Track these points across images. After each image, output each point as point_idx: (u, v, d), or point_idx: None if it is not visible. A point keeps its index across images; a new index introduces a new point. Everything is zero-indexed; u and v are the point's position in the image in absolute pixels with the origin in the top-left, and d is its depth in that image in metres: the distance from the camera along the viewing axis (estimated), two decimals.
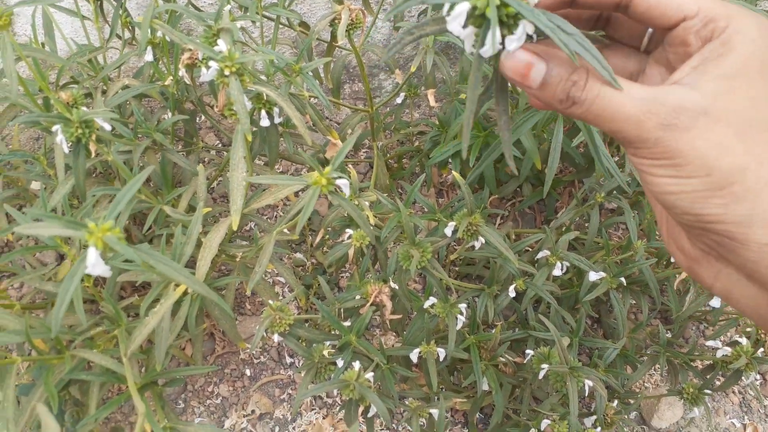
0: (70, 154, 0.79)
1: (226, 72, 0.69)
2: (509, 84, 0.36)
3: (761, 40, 0.33)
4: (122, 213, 0.55)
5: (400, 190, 1.35)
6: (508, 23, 0.32)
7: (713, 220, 0.33)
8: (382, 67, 1.42)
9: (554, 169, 0.96)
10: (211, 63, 0.71)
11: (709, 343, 1.04)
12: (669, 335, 1.09)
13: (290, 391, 1.16)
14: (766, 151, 0.33)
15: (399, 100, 1.18)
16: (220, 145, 1.40)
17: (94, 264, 0.54)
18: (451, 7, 0.33)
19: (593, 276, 0.97)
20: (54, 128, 0.77)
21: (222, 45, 0.71)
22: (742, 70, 0.33)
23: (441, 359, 0.92)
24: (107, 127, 0.78)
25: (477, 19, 0.32)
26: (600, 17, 0.40)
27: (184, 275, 0.62)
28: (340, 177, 0.74)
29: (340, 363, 0.89)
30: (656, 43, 0.38)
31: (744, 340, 0.96)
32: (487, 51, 0.32)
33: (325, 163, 1.18)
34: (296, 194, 1.33)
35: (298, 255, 1.27)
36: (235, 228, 0.78)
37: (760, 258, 0.33)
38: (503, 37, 0.33)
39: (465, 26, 0.33)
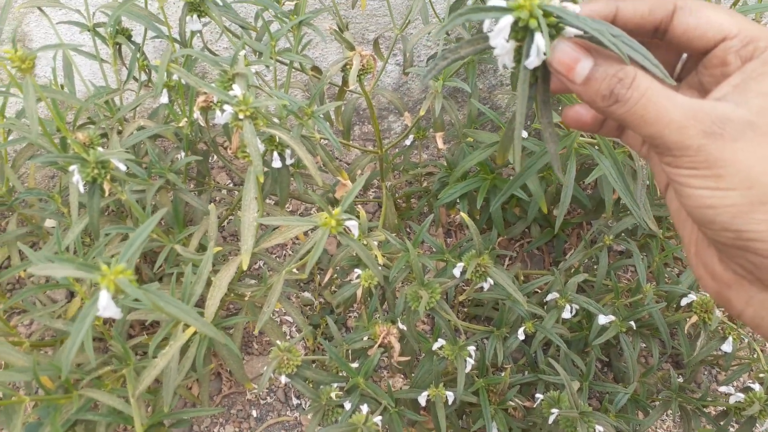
0: (84, 194, 0.81)
1: (241, 116, 0.71)
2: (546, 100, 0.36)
3: None
4: (131, 257, 0.56)
5: (408, 229, 1.36)
6: (551, 33, 0.32)
7: (754, 238, 0.32)
8: (391, 110, 1.44)
9: (566, 206, 0.96)
10: (226, 107, 0.73)
11: (722, 388, 1.02)
12: (680, 380, 1.08)
13: None
14: None
15: (408, 142, 1.20)
16: (231, 185, 1.42)
17: (106, 307, 0.54)
18: (495, 22, 0.33)
19: (602, 319, 0.97)
20: (71, 168, 0.78)
21: (237, 90, 0.73)
22: None
23: (450, 403, 0.91)
24: (122, 167, 0.80)
25: (519, 32, 0.32)
26: None
27: (193, 317, 0.62)
28: (349, 218, 0.74)
29: (347, 406, 0.88)
30: (688, 70, 0.38)
31: (757, 386, 0.95)
32: (532, 62, 0.32)
33: (334, 202, 1.20)
34: (306, 233, 1.33)
35: (306, 294, 1.27)
36: (245, 268, 0.78)
37: None
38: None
39: (507, 40, 0.33)
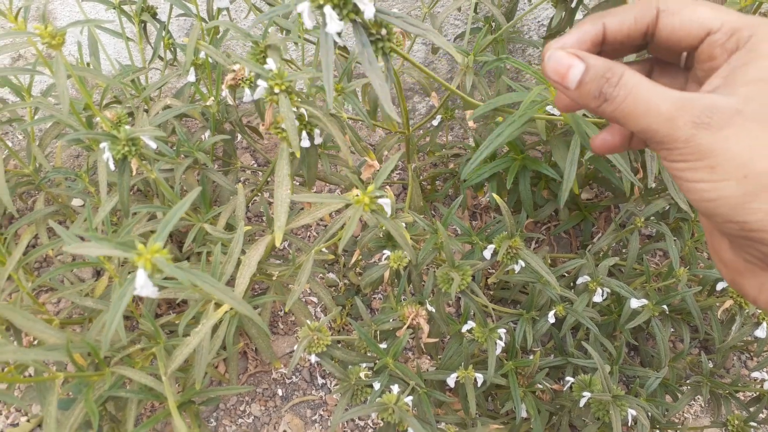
0: (114, 172, 0.81)
1: (276, 90, 0.69)
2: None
3: None
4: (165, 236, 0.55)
5: (432, 212, 1.34)
6: (340, 4, 0.40)
7: (756, 228, 0.32)
8: (417, 90, 1.42)
9: (571, 181, 0.93)
10: (260, 81, 0.71)
11: (755, 374, 1.00)
12: (710, 365, 1.06)
13: (322, 413, 1.14)
14: None
15: (435, 123, 1.18)
16: (255, 165, 1.41)
17: (143, 285, 0.54)
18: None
19: (635, 303, 0.95)
20: (102, 145, 0.78)
21: (271, 63, 0.71)
22: None
23: (478, 385, 0.91)
24: (153, 145, 0.79)
25: (319, 7, 0.40)
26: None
27: (229, 296, 0.61)
28: (382, 196, 0.73)
29: (376, 386, 0.88)
30: (690, 65, 0.39)
31: None
32: (331, 27, 0.40)
33: (361, 183, 1.18)
34: (330, 215, 1.33)
35: (331, 275, 1.27)
36: (278, 245, 0.78)
37: None
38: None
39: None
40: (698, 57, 0.36)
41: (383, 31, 0.44)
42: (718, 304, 1.03)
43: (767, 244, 0.32)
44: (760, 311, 0.97)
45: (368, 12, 0.41)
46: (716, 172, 0.31)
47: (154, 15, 1.08)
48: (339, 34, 0.41)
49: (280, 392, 1.16)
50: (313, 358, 0.86)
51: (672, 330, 1.07)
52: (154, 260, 0.53)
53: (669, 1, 0.35)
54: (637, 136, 0.40)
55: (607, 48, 0.38)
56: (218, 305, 0.79)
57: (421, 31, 0.45)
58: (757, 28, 0.33)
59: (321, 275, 1.27)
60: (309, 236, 1.35)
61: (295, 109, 0.77)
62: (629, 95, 0.33)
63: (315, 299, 1.28)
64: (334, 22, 0.40)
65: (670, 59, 0.40)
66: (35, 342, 1.21)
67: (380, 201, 0.74)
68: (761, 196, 0.31)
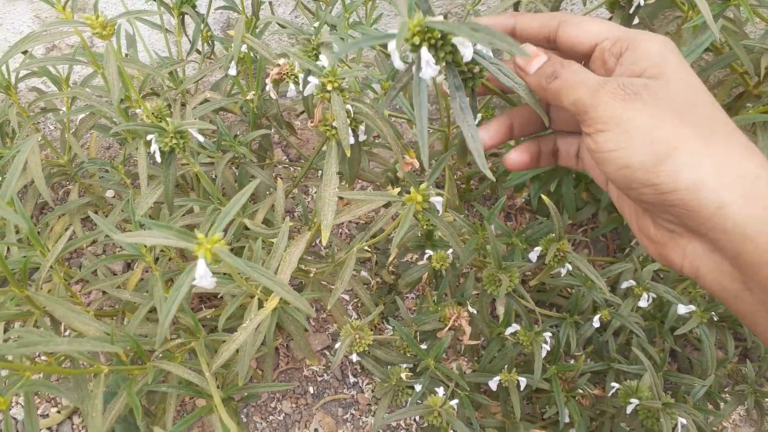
0: (157, 165, 0.80)
1: (329, 87, 0.68)
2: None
3: (665, 46, 0.39)
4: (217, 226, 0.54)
5: (467, 212, 1.33)
6: (438, 44, 0.36)
7: (667, 189, 0.36)
8: None
9: None
10: (311, 78, 0.70)
11: None
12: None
13: (353, 411, 1.13)
14: (700, 123, 0.37)
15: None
16: (287, 160, 1.40)
17: (203, 275, 0.53)
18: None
19: (682, 309, 0.93)
20: (149, 137, 0.77)
21: (324, 60, 0.70)
22: (662, 63, 0.39)
23: (521, 388, 0.89)
24: (200, 138, 0.78)
25: (414, 50, 0.37)
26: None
27: (286, 290, 0.60)
28: (436, 194, 0.72)
29: (417, 387, 0.86)
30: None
31: None
32: (425, 73, 0.36)
33: (395, 181, 1.17)
34: (365, 213, 1.31)
35: (363, 273, 1.25)
36: (324, 242, 0.76)
37: (714, 223, 0.35)
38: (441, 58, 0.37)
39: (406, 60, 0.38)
40: (593, 64, 0.43)
41: (476, 69, 0.41)
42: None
43: (678, 205, 0.36)
44: None
45: (468, 55, 0.38)
46: (629, 138, 0.36)
47: (193, 7, 1.07)
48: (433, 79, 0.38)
49: (311, 390, 1.15)
50: (355, 357, 0.85)
51: (716, 337, 1.04)
52: (215, 250, 0.52)
53: (568, 15, 0.43)
54: (543, 155, 0.49)
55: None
56: (261, 301, 0.78)
57: (513, 84, 0.42)
58: (636, 35, 0.40)
59: (355, 273, 1.26)
60: (341, 233, 1.34)
61: (351, 103, 0.76)
62: (571, 74, 0.40)
63: (346, 296, 1.27)
64: (430, 68, 0.36)
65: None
66: (68, 334, 1.20)
67: (432, 199, 0.72)
68: (667, 159, 0.36)
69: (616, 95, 0.37)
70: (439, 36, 0.36)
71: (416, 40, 0.35)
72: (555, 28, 0.43)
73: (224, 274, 0.80)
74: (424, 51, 0.36)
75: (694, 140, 0.36)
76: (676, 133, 0.36)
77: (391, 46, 0.37)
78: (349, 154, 0.71)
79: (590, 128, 0.39)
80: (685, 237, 0.39)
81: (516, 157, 0.48)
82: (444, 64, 0.37)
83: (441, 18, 0.35)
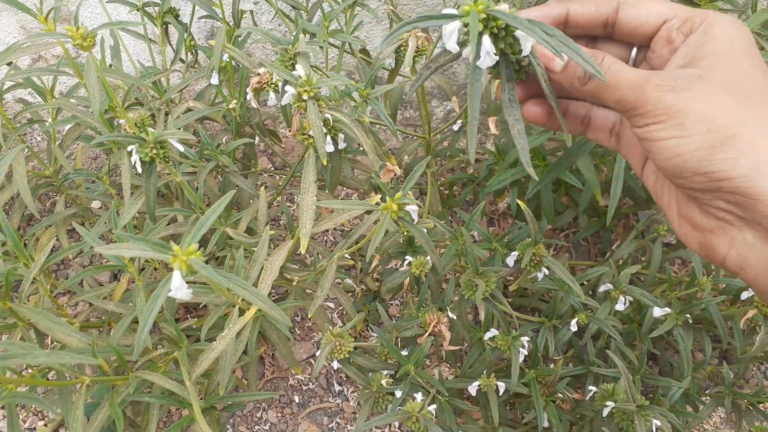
0: (139, 175, 0.80)
1: (304, 96, 0.69)
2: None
3: (735, 28, 0.38)
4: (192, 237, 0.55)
5: (450, 217, 1.34)
6: (500, 34, 0.35)
7: (723, 177, 0.35)
8: (435, 94, 1.42)
9: (617, 197, 0.94)
10: (288, 87, 0.71)
11: None
12: (731, 376, 1.06)
13: (339, 420, 1.14)
14: (759, 109, 0.36)
15: (456, 128, 1.18)
16: (272, 168, 1.41)
17: (178, 287, 0.54)
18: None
19: (658, 312, 0.95)
20: (129, 148, 0.78)
21: (300, 69, 0.71)
22: (727, 50, 0.37)
23: (500, 393, 0.90)
24: (180, 148, 0.79)
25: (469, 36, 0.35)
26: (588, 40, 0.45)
27: (261, 299, 0.61)
28: (410, 203, 0.73)
29: (398, 393, 0.87)
30: (640, 61, 0.43)
31: None
32: (483, 62, 0.35)
33: (377, 188, 1.18)
34: (348, 220, 1.32)
35: (348, 280, 1.26)
36: (303, 251, 0.77)
37: None
38: (501, 49, 0.36)
39: (464, 45, 0.36)
40: (655, 44, 0.41)
41: (524, 62, 0.39)
42: (740, 314, 1.02)
43: (734, 192, 0.35)
44: None
45: (527, 49, 0.37)
46: (684, 128, 0.35)
47: (176, 17, 1.08)
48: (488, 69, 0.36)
49: (296, 399, 1.15)
50: (335, 365, 0.86)
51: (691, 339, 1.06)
52: (190, 262, 0.52)
53: None
54: (571, 119, 0.46)
55: (567, 32, 0.42)
56: (242, 310, 0.79)
57: (544, 85, 0.40)
58: (706, 15, 0.39)
59: (339, 280, 1.27)
60: (326, 241, 1.35)
61: (327, 112, 0.77)
62: (608, 71, 0.37)
63: (332, 304, 1.28)
64: (489, 57, 0.35)
65: (619, 58, 0.44)
66: (54, 345, 1.21)
67: (407, 208, 0.74)
68: (724, 147, 0.35)
69: (664, 87, 0.36)
70: (503, 26, 0.35)
71: (479, 26, 0.34)
72: (614, 10, 0.41)
73: (205, 283, 0.81)
74: (486, 40, 0.35)
75: (753, 127, 0.35)
76: (733, 119, 0.35)
77: (450, 27, 0.35)
78: (325, 163, 0.72)
79: (641, 122, 0.37)
80: (736, 225, 0.38)
81: (533, 108, 0.44)
82: (500, 55, 0.36)
83: (506, 7, 0.35)
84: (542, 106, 0.44)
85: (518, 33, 0.36)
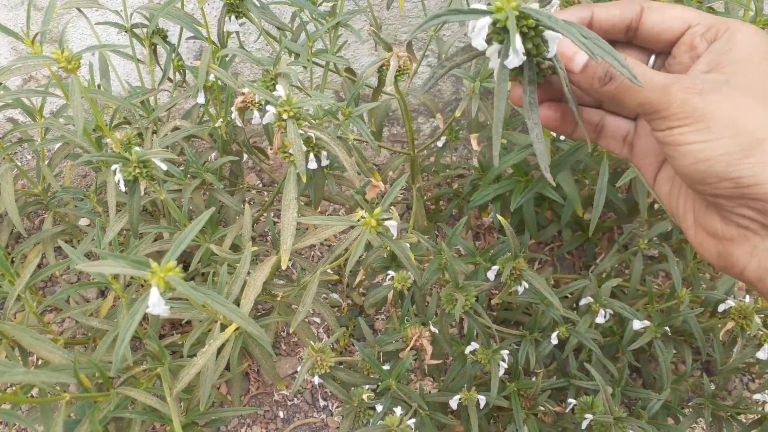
0: (123, 193, 0.82)
1: (284, 116, 0.71)
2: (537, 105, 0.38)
3: (758, 36, 0.38)
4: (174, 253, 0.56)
5: (436, 232, 1.35)
6: (529, 34, 0.34)
7: (750, 183, 0.34)
8: (421, 111, 1.44)
9: (599, 210, 0.96)
10: (269, 107, 0.73)
11: (756, 396, 1.01)
12: (712, 387, 1.07)
13: None
14: None
15: (440, 144, 1.20)
16: (260, 185, 1.42)
17: (156, 304, 0.55)
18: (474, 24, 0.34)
19: (637, 324, 0.96)
20: (113, 167, 0.79)
21: (280, 90, 0.73)
22: (751, 58, 0.37)
23: (481, 407, 0.91)
24: (163, 167, 0.81)
25: (500, 34, 0.34)
26: None
27: (239, 315, 0.62)
28: (389, 218, 0.75)
29: (379, 408, 0.88)
30: (658, 68, 0.43)
31: None
32: (511, 61, 0.34)
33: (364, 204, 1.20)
34: (335, 236, 1.34)
35: (334, 296, 1.28)
36: (284, 267, 0.79)
37: None
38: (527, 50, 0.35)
39: (489, 43, 0.35)
40: (678, 50, 0.41)
41: (545, 64, 0.38)
42: (720, 326, 1.03)
43: (761, 198, 0.34)
44: (761, 333, 0.97)
45: (553, 50, 0.36)
46: (711, 132, 0.35)
47: (164, 38, 1.10)
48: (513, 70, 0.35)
49: (281, 414, 1.16)
50: (317, 380, 0.87)
51: (674, 352, 1.07)
52: (167, 278, 0.54)
53: (648, 2, 0.41)
54: (585, 126, 0.45)
55: None
56: (224, 326, 0.80)
57: (566, 88, 0.39)
58: (731, 23, 0.39)
59: (325, 295, 1.28)
60: (313, 256, 1.36)
61: (302, 132, 0.78)
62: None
63: (318, 320, 1.29)
64: (517, 57, 0.34)
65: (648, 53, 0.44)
66: (39, 362, 1.21)
67: (386, 223, 0.75)
68: (752, 152, 0.34)
69: (691, 91, 0.35)
70: (532, 26, 0.34)
71: (509, 24, 0.33)
72: (637, 14, 0.41)
73: (188, 300, 0.82)
74: (518, 39, 0.33)
75: None
76: (761, 124, 0.34)
77: (481, 23, 0.34)
78: (305, 180, 0.73)
79: (664, 125, 0.37)
80: (759, 234, 0.37)
81: (547, 111, 0.43)
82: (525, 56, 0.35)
83: (537, 6, 0.34)
84: (556, 110, 0.43)
85: (547, 34, 0.35)
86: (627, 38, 0.43)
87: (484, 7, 0.34)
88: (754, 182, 0.34)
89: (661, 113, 0.36)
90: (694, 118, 0.35)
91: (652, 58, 0.43)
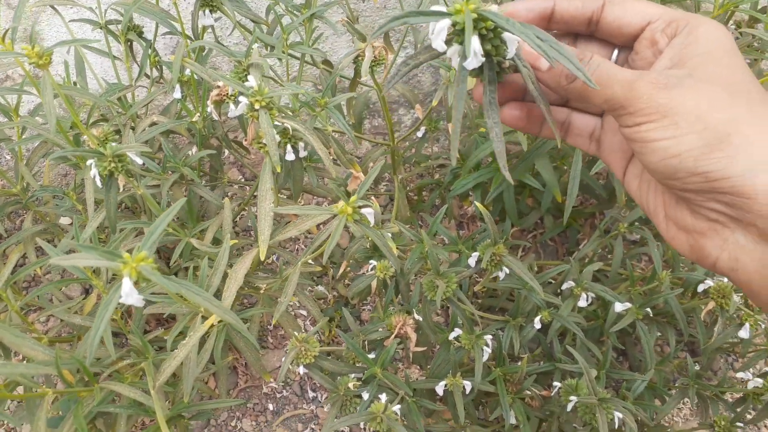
0: (101, 189, 0.81)
1: (256, 106, 0.71)
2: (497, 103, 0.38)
3: (719, 31, 0.38)
4: (151, 246, 0.56)
5: (420, 222, 1.36)
6: (488, 36, 0.35)
7: (719, 177, 0.34)
8: (402, 103, 1.44)
9: (574, 197, 0.96)
10: (241, 98, 0.73)
11: (740, 375, 1.02)
12: (697, 367, 1.08)
13: (313, 426, 1.14)
14: (752, 106, 0.35)
15: (420, 134, 1.20)
16: (242, 180, 1.42)
17: (128, 293, 0.55)
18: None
19: (619, 307, 0.97)
20: (88, 162, 0.79)
21: (252, 80, 0.73)
22: (712, 52, 0.37)
23: (467, 392, 0.91)
24: (139, 161, 0.80)
25: (459, 35, 0.35)
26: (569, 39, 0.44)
27: (215, 305, 0.62)
28: (365, 206, 0.75)
29: (365, 396, 0.88)
30: (621, 63, 0.43)
31: None
32: (470, 63, 0.34)
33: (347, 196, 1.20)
34: (317, 227, 1.34)
35: (320, 288, 1.28)
36: (262, 258, 0.79)
37: None
38: (487, 51, 0.35)
39: (449, 44, 0.35)
40: (639, 45, 0.41)
41: (506, 64, 0.38)
42: (702, 307, 1.04)
43: (729, 192, 0.34)
44: (743, 312, 0.98)
45: (512, 52, 0.36)
46: (679, 127, 0.35)
47: (140, 34, 1.09)
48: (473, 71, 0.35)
49: (271, 407, 1.16)
50: (302, 370, 0.87)
51: (659, 334, 1.08)
52: (139, 268, 0.54)
53: None
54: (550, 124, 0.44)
55: (551, 27, 0.42)
56: (205, 318, 0.80)
57: (532, 87, 0.38)
58: (691, 18, 0.39)
59: (310, 288, 1.28)
60: (297, 249, 1.36)
61: (279, 123, 0.78)
62: (596, 71, 0.37)
63: (305, 312, 1.29)
64: (476, 58, 0.34)
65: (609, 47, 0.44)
66: (25, 361, 1.20)
67: (363, 211, 0.75)
68: (720, 146, 0.34)
69: (657, 85, 0.35)
70: (491, 27, 0.34)
71: (468, 26, 0.33)
72: (599, 8, 0.41)
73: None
74: (476, 40, 0.34)
75: (748, 126, 0.34)
76: (727, 118, 0.34)
77: (440, 25, 0.34)
78: (279, 170, 0.73)
79: (630, 121, 0.36)
80: (729, 227, 0.37)
81: (511, 111, 0.43)
82: (485, 57, 0.36)
83: (496, 8, 0.34)
84: (521, 110, 0.43)
85: (506, 35, 0.35)
86: (589, 31, 0.42)
87: (444, 9, 0.34)
88: (723, 176, 0.34)
89: (627, 109, 0.36)
90: (660, 113, 0.35)
91: (615, 52, 0.43)
